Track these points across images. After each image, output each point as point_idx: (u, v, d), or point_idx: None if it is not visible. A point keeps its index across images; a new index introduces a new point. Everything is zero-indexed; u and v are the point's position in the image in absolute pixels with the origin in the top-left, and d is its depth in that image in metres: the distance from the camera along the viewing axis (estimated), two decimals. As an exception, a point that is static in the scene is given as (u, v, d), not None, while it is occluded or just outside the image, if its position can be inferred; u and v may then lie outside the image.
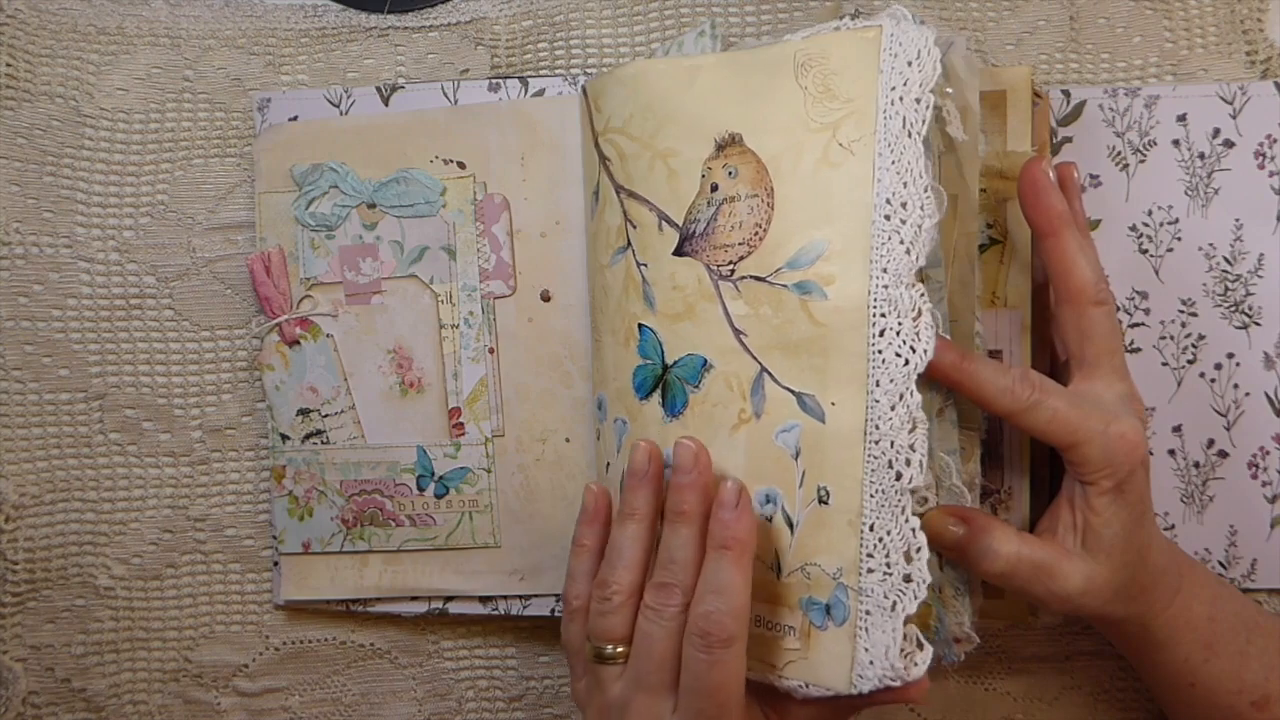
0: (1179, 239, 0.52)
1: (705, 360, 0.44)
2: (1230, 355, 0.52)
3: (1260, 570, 0.52)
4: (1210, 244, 0.52)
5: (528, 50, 0.54)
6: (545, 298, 0.52)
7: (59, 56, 0.54)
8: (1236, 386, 0.52)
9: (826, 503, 0.41)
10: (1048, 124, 0.49)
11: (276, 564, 0.54)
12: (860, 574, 0.41)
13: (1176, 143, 0.52)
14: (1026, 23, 0.53)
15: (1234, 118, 0.51)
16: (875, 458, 0.40)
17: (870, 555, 0.40)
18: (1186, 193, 0.52)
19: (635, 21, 0.54)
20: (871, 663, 0.40)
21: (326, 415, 0.53)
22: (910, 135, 0.40)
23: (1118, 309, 0.51)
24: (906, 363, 0.40)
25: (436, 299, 0.52)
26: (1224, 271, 0.52)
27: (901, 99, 0.40)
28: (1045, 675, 0.54)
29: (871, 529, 0.40)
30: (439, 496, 0.53)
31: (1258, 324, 0.52)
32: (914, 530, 0.40)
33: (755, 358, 0.43)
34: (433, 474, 0.53)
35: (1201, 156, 0.52)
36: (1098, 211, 0.52)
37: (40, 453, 0.54)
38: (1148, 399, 0.46)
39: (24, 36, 0.54)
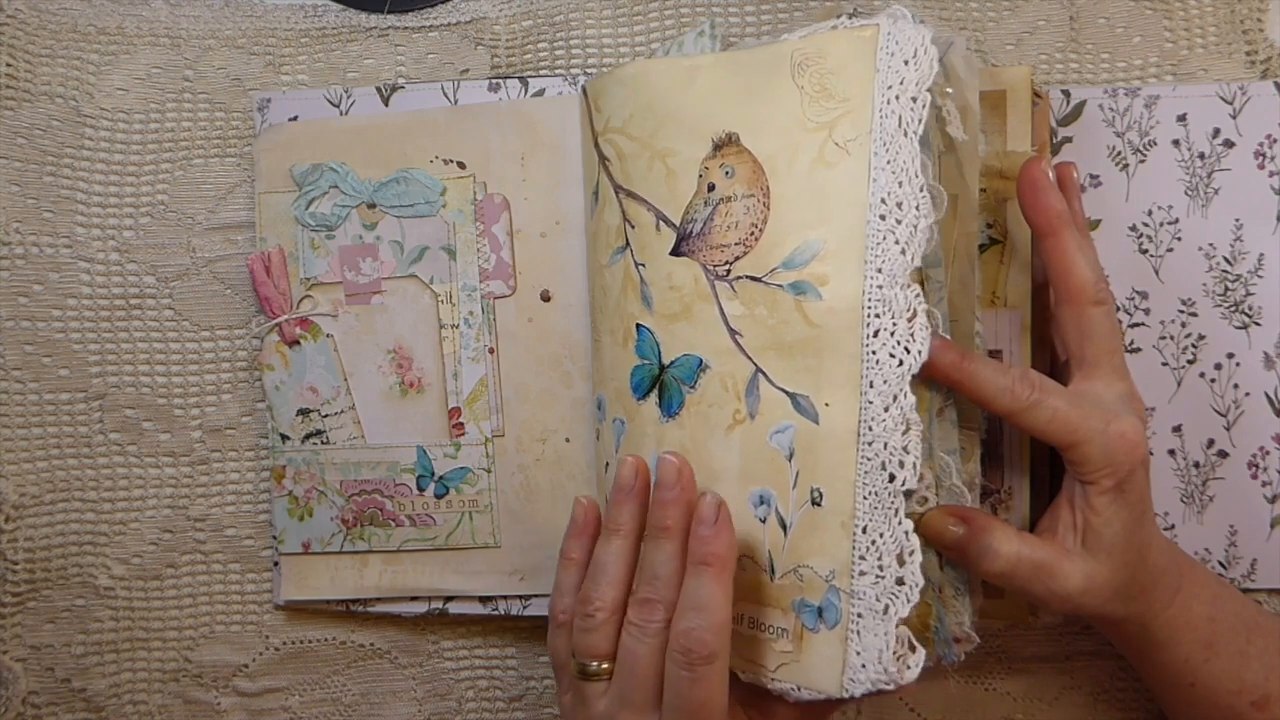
0: (1179, 239, 0.52)
1: (701, 360, 0.44)
2: (1230, 355, 0.52)
3: (1260, 570, 0.52)
4: (1210, 244, 0.52)
5: (528, 50, 0.54)
6: (545, 298, 0.52)
7: (59, 56, 0.54)
8: (1236, 386, 0.52)
9: (820, 504, 0.41)
10: (1048, 124, 0.49)
11: (276, 564, 0.54)
12: (852, 576, 0.40)
13: (1176, 143, 0.52)
14: (1026, 23, 0.53)
15: (1234, 118, 0.51)
16: (868, 459, 0.40)
17: (863, 558, 0.40)
18: (1186, 193, 0.52)
19: (635, 21, 0.54)
20: (864, 666, 0.40)
21: (326, 415, 0.53)
22: (906, 135, 0.40)
23: (1118, 309, 0.51)
24: (900, 364, 0.40)
25: (436, 299, 0.52)
26: (1224, 271, 0.52)
27: (898, 98, 0.40)
28: (1045, 675, 0.54)
29: (864, 531, 0.40)
30: (439, 496, 0.53)
31: (1258, 324, 0.52)
32: (907, 533, 0.40)
33: (750, 358, 0.43)
34: (433, 474, 0.53)
35: (1201, 156, 0.52)
36: (1098, 211, 0.52)
37: (40, 453, 0.54)
38: (1148, 399, 0.46)
39: (24, 36, 0.54)
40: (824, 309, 0.41)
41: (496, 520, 0.52)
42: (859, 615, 0.40)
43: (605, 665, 0.41)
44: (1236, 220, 0.52)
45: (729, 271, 0.43)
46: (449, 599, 0.53)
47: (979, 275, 0.45)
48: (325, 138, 0.53)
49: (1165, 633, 0.44)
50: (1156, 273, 0.52)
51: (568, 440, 0.52)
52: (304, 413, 0.53)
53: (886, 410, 0.40)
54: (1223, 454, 0.52)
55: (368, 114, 0.53)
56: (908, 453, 0.40)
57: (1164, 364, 0.52)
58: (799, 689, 0.42)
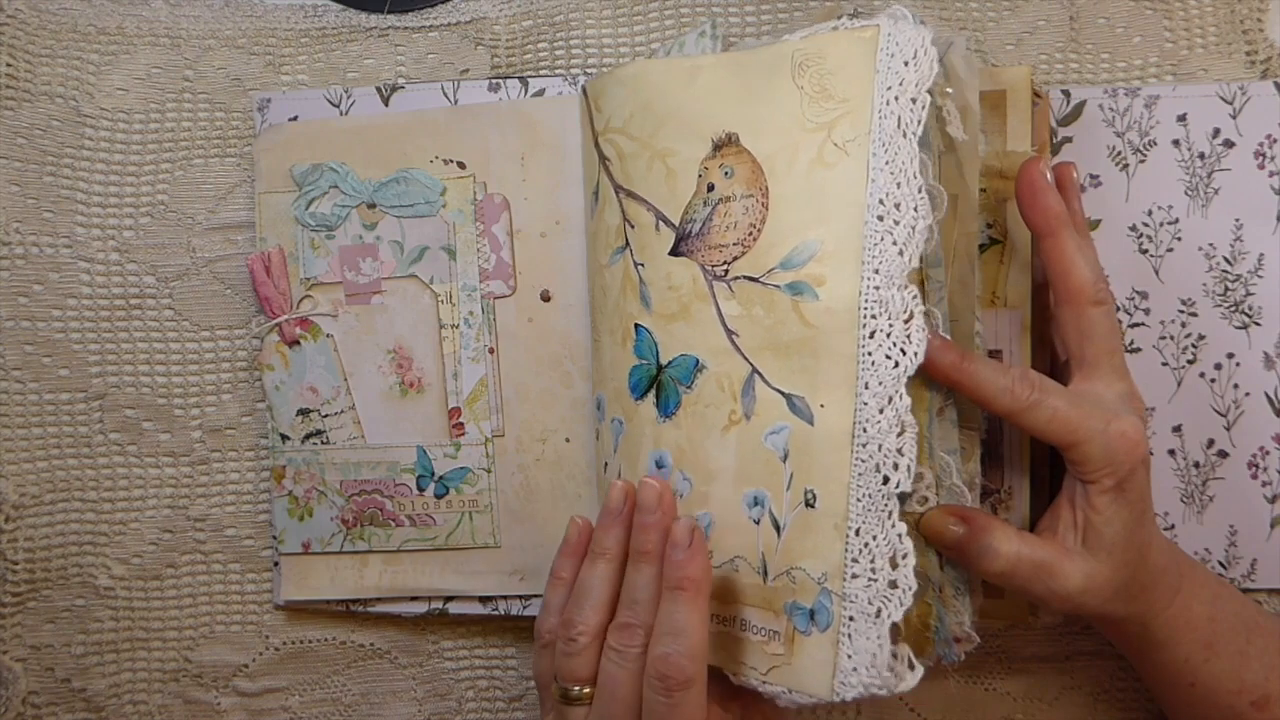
0: (1179, 239, 0.52)
1: (697, 361, 0.44)
2: (1230, 355, 0.52)
3: (1260, 570, 0.52)
4: (1210, 244, 0.52)
5: (528, 50, 0.54)
6: (545, 298, 0.52)
7: (59, 56, 0.54)
8: (1236, 386, 0.52)
9: (813, 506, 0.41)
10: (1048, 124, 0.49)
11: (276, 564, 0.54)
12: (845, 579, 0.40)
13: (1176, 143, 0.52)
14: (1026, 23, 0.53)
15: (1234, 118, 0.51)
16: (863, 461, 0.40)
17: (855, 560, 0.40)
18: (1186, 193, 0.52)
19: (635, 21, 0.54)
20: (855, 670, 0.40)
21: (326, 415, 0.53)
22: (905, 136, 0.40)
23: (1118, 309, 0.51)
24: (896, 365, 0.39)
25: (436, 299, 0.52)
26: (1224, 271, 0.52)
27: (897, 99, 0.40)
28: (1045, 675, 0.54)
29: (857, 533, 0.40)
30: (439, 496, 0.53)
31: (1258, 324, 0.52)
32: (900, 536, 0.39)
33: (747, 358, 0.43)
34: (433, 474, 0.53)
35: (1201, 156, 0.52)
36: (1098, 211, 0.52)
37: (40, 453, 0.54)
38: (1148, 399, 0.46)
39: (24, 36, 0.54)
40: (821, 309, 0.41)
41: (496, 520, 0.52)
42: (851, 618, 0.40)
43: (587, 690, 0.41)
44: (1236, 220, 0.52)
45: (727, 272, 0.43)
46: (449, 599, 0.53)
47: (979, 275, 0.45)
48: (325, 138, 0.53)
49: (1165, 632, 0.44)
50: (1156, 273, 0.52)
51: (568, 440, 0.52)
52: (304, 413, 0.53)
53: (881, 412, 0.40)
54: (1223, 454, 0.52)
55: (368, 114, 0.53)
56: (902, 455, 0.39)
57: (1164, 364, 0.52)
58: (790, 692, 0.41)
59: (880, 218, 0.40)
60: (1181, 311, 0.52)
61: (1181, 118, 0.52)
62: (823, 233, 0.41)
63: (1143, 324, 0.52)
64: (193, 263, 0.54)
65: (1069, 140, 0.52)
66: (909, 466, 0.39)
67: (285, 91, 0.54)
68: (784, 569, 0.42)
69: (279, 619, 0.55)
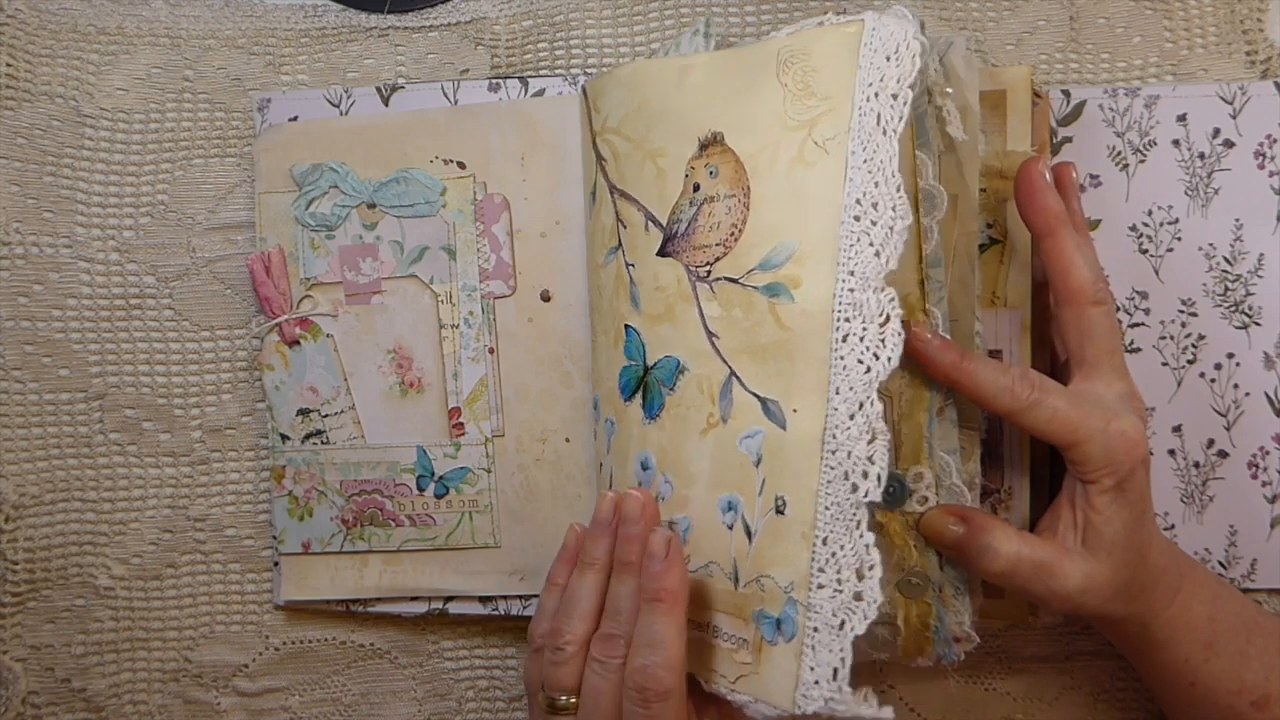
0: (1179, 239, 0.52)
1: (679, 362, 0.43)
2: (1230, 355, 0.52)
3: (1260, 570, 0.52)
4: (1210, 244, 0.52)
5: (528, 50, 0.54)
6: (545, 298, 0.52)
7: (59, 56, 0.54)
8: (1236, 386, 0.52)
9: (783, 513, 0.40)
10: (1048, 124, 0.49)
11: (276, 564, 0.54)
12: (810, 589, 0.39)
13: (1176, 143, 0.52)
14: (1026, 23, 0.53)
15: (1234, 118, 0.51)
16: (831, 468, 0.39)
17: (821, 570, 0.39)
18: (1186, 193, 0.52)
19: (635, 21, 0.54)
20: (816, 683, 0.38)
21: (326, 415, 0.53)
22: (885, 133, 0.38)
23: (1118, 309, 0.51)
24: (869, 370, 0.38)
25: (436, 299, 0.52)
26: (1224, 271, 0.52)
27: (877, 95, 0.39)
28: (1045, 675, 0.54)
29: (824, 543, 0.39)
30: (439, 496, 0.53)
31: (1258, 324, 0.52)
32: (867, 547, 0.38)
33: (725, 361, 0.42)
34: (433, 474, 0.53)
35: (1201, 156, 0.52)
36: (1098, 211, 0.52)
37: (40, 453, 0.54)
38: (1148, 399, 0.46)
39: (24, 36, 0.54)
40: (796, 312, 0.40)
41: (496, 520, 0.52)
42: (815, 629, 0.39)
43: (572, 700, 0.41)
44: (1236, 220, 0.51)
45: (709, 273, 0.42)
46: (449, 599, 0.53)
47: (979, 275, 0.45)
48: (325, 138, 0.53)
49: (1165, 632, 0.44)
50: (1156, 273, 0.52)
51: (568, 440, 0.52)
52: (304, 413, 0.53)
53: (852, 418, 0.38)
54: (1223, 454, 0.52)
55: (368, 114, 0.53)
56: (872, 463, 0.38)
57: (1164, 364, 0.52)
58: (755, 701, 0.41)
59: (857, 218, 0.39)
60: (1181, 311, 0.52)
61: (1181, 118, 0.52)
62: (800, 233, 0.40)
63: (1143, 324, 0.52)
64: (193, 263, 0.54)
65: (1069, 140, 0.52)
66: (879, 475, 0.38)
67: (285, 91, 0.54)
68: (754, 576, 0.41)
69: (279, 619, 0.55)
